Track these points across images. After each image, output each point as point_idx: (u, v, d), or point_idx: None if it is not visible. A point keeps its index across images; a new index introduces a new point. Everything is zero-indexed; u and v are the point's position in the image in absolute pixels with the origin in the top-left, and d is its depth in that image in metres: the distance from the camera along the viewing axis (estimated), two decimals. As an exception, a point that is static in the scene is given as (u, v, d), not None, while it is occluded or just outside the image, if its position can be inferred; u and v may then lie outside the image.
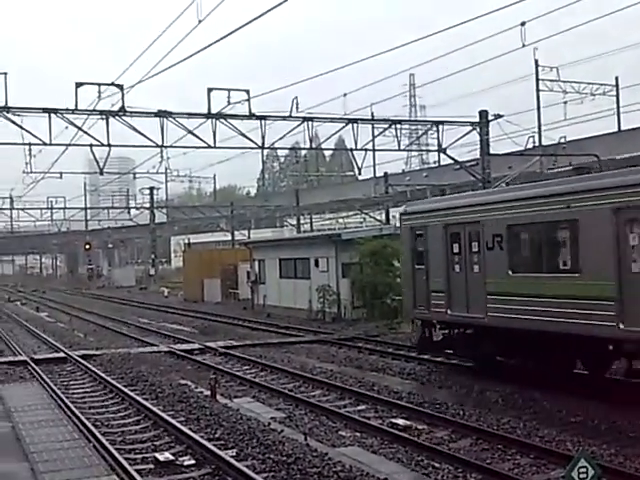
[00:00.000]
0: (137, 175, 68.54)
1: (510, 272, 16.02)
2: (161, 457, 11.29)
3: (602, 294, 13.57)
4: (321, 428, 13.23)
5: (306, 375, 18.37)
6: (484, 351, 17.27)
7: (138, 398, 15.72)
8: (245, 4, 27.52)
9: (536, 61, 42.70)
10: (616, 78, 46.73)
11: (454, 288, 17.51)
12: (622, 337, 13.47)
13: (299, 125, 29.93)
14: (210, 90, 28.03)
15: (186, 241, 75.07)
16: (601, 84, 45.55)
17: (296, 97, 29.30)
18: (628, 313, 13.15)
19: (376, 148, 32.99)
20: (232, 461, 10.63)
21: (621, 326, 13.28)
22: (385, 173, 46.49)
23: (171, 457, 11.30)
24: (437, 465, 10.74)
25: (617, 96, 46.42)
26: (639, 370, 14.24)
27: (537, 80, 43.16)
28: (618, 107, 46.35)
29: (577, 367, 16.01)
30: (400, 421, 13.17)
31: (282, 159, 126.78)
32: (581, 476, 7.38)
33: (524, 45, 25.91)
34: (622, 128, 45.91)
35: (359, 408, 14.79)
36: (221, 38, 19.53)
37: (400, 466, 10.85)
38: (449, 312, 17.65)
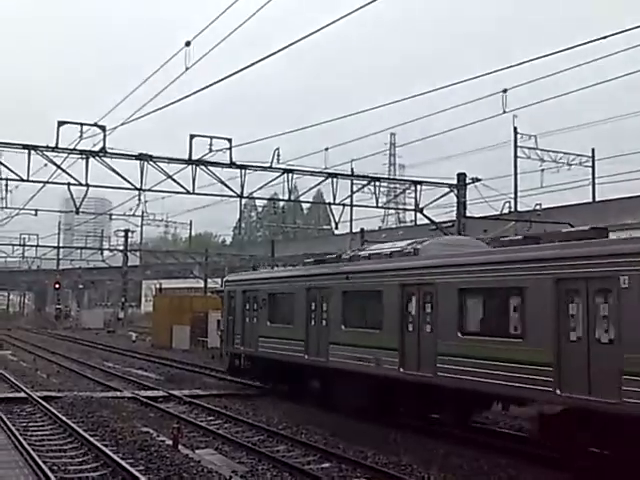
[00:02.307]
0: (113, 217, 68.28)
1: (269, 323, 24.38)
2: (117, 507, 10.99)
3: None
4: (283, 485, 12.98)
5: (271, 429, 18.11)
6: (270, 376, 24.90)
7: (98, 444, 15.34)
8: (232, 54, 27.81)
9: (515, 128, 43.47)
10: (592, 150, 47.67)
11: (250, 331, 25.32)
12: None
13: (279, 176, 30.12)
14: (192, 137, 28.20)
15: (158, 286, 74.40)
16: (578, 154, 46.39)
17: (277, 148, 29.58)
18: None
19: (354, 204, 33.19)
20: (190, 515, 10.36)
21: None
22: (362, 229, 46.71)
23: (128, 507, 11.00)
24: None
25: (593, 167, 47.27)
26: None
27: (515, 147, 43.86)
28: (593, 178, 47.17)
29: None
30: (364, 481, 12.96)
31: (260, 209, 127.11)
32: None
33: (504, 112, 26.44)
34: (597, 199, 46.64)
35: (323, 466, 14.55)
36: (206, 86, 19.72)
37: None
38: (241, 348, 25.93)
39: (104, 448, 14.92)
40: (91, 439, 15.85)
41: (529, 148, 43.80)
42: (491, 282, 15.56)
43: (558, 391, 13.53)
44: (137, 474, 12.71)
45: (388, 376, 18.17)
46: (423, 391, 17.28)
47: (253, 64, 17.02)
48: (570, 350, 13.47)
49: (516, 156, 43.93)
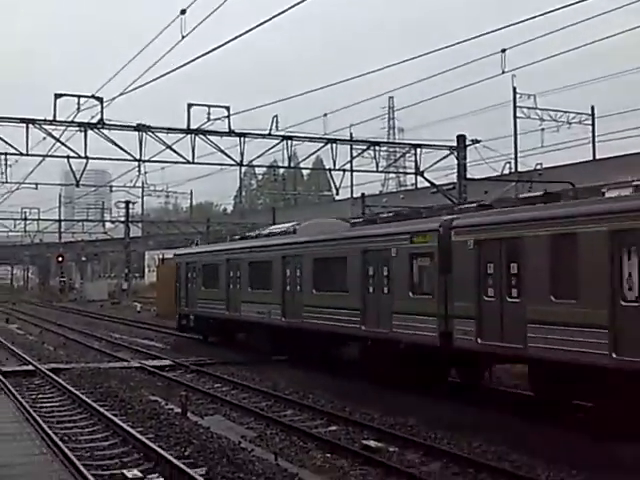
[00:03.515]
0: (113, 188, 68.29)
1: (203, 288, 31.09)
2: (129, 474, 11.14)
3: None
4: (292, 448, 13.15)
5: (278, 394, 18.30)
6: (216, 331, 30.78)
7: (107, 414, 15.53)
8: (229, 23, 27.56)
9: (514, 88, 43.18)
10: (592, 107, 47.37)
11: (191, 295, 32.05)
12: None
13: (278, 143, 30.04)
14: (190, 106, 28.06)
15: (160, 256, 74.51)
16: (577, 113, 46.14)
17: (276, 115, 29.43)
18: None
19: (354, 169, 33.14)
20: (201, 480, 10.53)
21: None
22: (362, 194, 46.66)
23: (139, 474, 11.15)
24: (408, 488, 10.72)
25: (593, 125, 47.01)
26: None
27: (515, 107, 43.60)
28: (594, 136, 46.94)
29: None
30: (371, 443, 13.13)
31: (260, 177, 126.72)
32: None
33: (504, 72, 26.27)
34: (597, 157, 46.47)
35: (331, 429, 14.73)
36: (203, 54, 19.58)
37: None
38: (185, 309, 32.63)
39: (114, 418, 15.10)
40: (100, 409, 16.03)
41: (528, 108, 43.56)
42: (329, 253, 21.95)
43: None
44: (147, 442, 12.88)
45: (275, 324, 24.67)
46: (295, 333, 23.42)
47: (249, 31, 16.90)
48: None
49: (515, 116, 43.69)
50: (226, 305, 28.23)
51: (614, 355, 12.67)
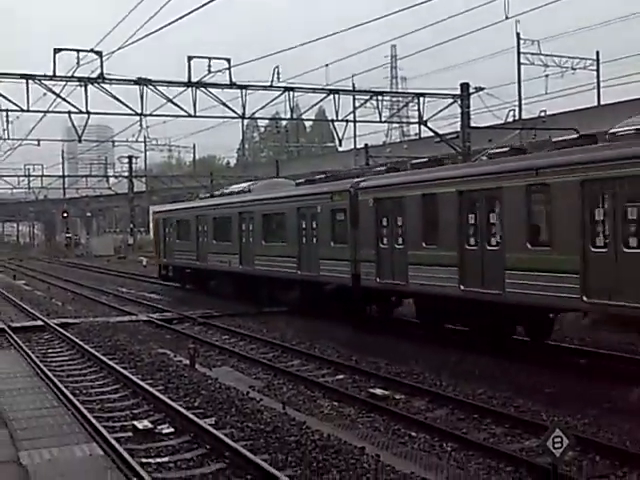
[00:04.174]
0: (116, 143, 68.09)
1: (178, 241, 34.86)
2: (140, 425, 11.33)
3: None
4: (299, 397, 13.34)
5: (285, 345, 18.48)
6: (190, 279, 34.26)
7: (117, 367, 15.73)
8: (226, -29, 27.12)
9: (518, 34, 42.69)
10: (597, 52, 46.85)
11: (169, 247, 35.65)
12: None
13: (280, 95, 29.79)
14: (190, 58, 27.75)
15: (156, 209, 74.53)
16: (582, 58, 45.64)
17: (277, 67, 29.16)
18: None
19: (357, 119, 32.92)
20: (211, 429, 10.69)
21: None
22: (365, 145, 46.52)
23: (150, 425, 11.34)
24: (414, 434, 10.88)
25: (597, 70, 46.54)
26: None
27: (518, 53, 43.17)
28: (598, 81, 46.50)
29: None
30: (378, 391, 13.30)
31: (262, 129, 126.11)
32: (556, 446, 7.51)
33: (507, 17, 25.91)
34: (602, 103, 46.06)
35: (337, 378, 14.92)
36: (201, 6, 19.33)
37: (377, 435, 10.98)
38: (164, 260, 36.41)
39: (123, 370, 15.30)
40: (110, 362, 16.22)
41: (532, 54, 43.11)
42: (273, 210, 25.58)
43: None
44: (157, 393, 13.07)
45: (234, 272, 28.25)
46: (250, 278, 27.22)
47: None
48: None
49: (519, 63, 43.28)
50: (196, 256, 31.86)
51: (461, 287, 16.39)
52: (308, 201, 23.11)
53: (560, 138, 16.18)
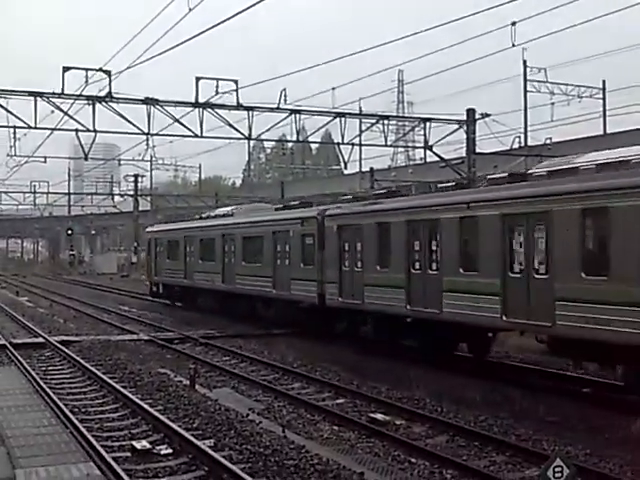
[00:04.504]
0: (122, 162, 68.24)
1: (168, 260, 36.52)
2: (138, 445, 11.27)
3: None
4: (299, 420, 13.26)
5: (286, 367, 18.40)
6: (179, 296, 35.96)
7: (117, 386, 15.67)
8: (236, -6, 27.33)
9: (524, 62, 42.86)
10: (603, 81, 47.00)
11: (159, 266, 37.59)
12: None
13: (287, 117, 29.90)
14: (198, 79, 27.91)
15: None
16: (588, 87, 45.77)
17: (284, 89, 29.27)
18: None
19: (363, 143, 32.99)
20: (209, 451, 10.62)
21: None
22: (371, 168, 46.55)
23: (148, 445, 11.29)
24: (413, 460, 10.80)
25: (604, 99, 46.67)
26: None
27: (525, 80, 43.31)
28: (604, 110, 46.61)
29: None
30: (379, 416, 13.22)
31: (268, 151, 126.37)
32: (556, 475, 7.43)
33: (514, 45, 26.00)
34: (608, 131, 46.15)
35: (338, 402, 14.83)
36: (210, 27, 19.44)
37: (377, 460, 10.89)
38: (155, 278, 38.33)
39: (123, 390, 15.24)
40: (110, 381, 16.17)
41: (539, 81, 43.24)
42: (252, 233, 27.60)
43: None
44: (156, 414, 13.01)
45: (218, 289, 30.43)
46: (232, 295, 29.25)
47: (255, 4, 16.73)
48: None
49: (526, 90, 43.42)
50: (184, 274, 33.87)
51: (407, 307, 18.48)
52: (282, 225, 25.33)
53: (493, 176, 18.23)
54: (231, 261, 29.17)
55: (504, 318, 15.31)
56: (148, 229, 43.12)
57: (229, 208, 34.41)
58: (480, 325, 16.53)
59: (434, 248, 17.67)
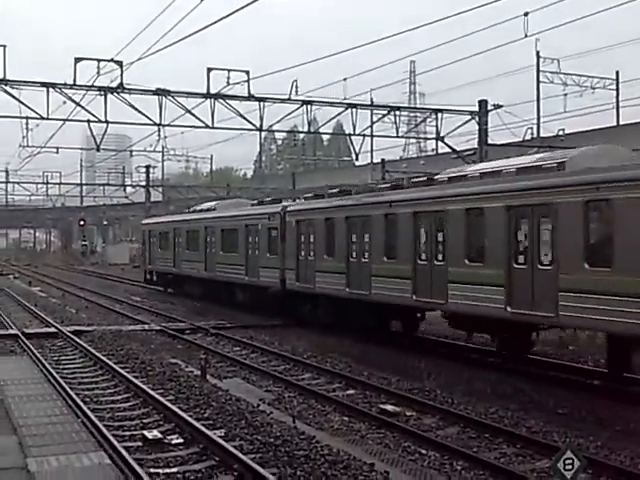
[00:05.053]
0: (134, 153, 68.27)
1: (159, 250, 40.50)
2: (149, 435, 11.32)
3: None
4: (310, 411, 13.28)
5: (296, 358, 18.43)
6: (170, 283, 39.37)
7: (128, 375, 15.73)
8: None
9: (537, 52, 42.54)
10: (616, 72, 46.57)
11: (153, 255, 41.25)
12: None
13: (298, 108, 29.84)
14: (210, 70, 27.88)
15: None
16: (601, 77, 45.43)
17: (296, 80, 29.21)
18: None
19: (374, 134, 32.93)
20: (220, 441, 10.65)
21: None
22: (382, 159, 46.36)
23: (159, 435, 11.33)
24: (424, 452, 10.80)
25: (617, 90, 46.31)
26: None
27: (538, 71, 42.97)
28: (617, 101, 46.27)
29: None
30: (389, 407, 13.22)
31: (280, 142, 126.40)
32: (567, 467, 7.41)
33: (526, 35, 25.85)
34: (621, 122, 45.84)
35: (348, 392, 14.85)
36: (222, 18, 19.39)
37: (387, 451, 10.90)
38: (149, 266, 41.95)
39: (134, 379, 15.30)
40: (121, 371, 16.23)
41: (552, 72, 42.94)
42: (229, 226, 30.89)
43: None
44: (167, 404, 13.06)
45: (201, 277, 33.93)
46: (213, 283, 32.74)
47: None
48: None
49: (539, 81, 43.06)
50: (173, 263, 37.22)
51: (347, 290, 21.61)
52: (253, 220, 28.63)
53: (414, 180, 21.95)
54: (212, 251, 32.30)
55: (414, 297, 18.58)
56: (143, 221, 47.26)
57: (212, 203, 37.17)
58: (405, 305, 19.58)
59: (366, 240, 20.92)
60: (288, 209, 25.90)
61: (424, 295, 18.29)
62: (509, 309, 15.40)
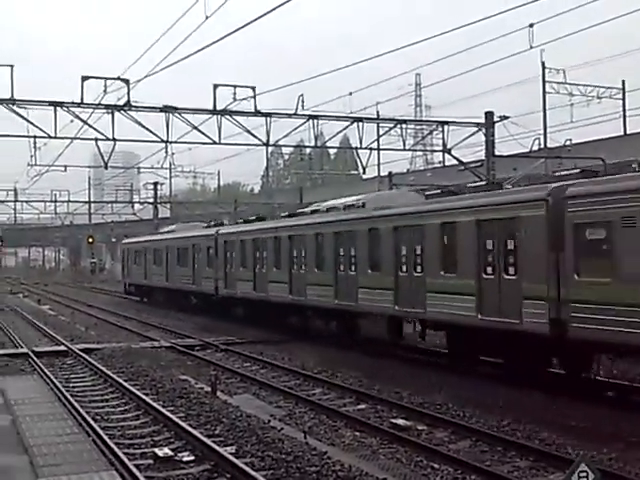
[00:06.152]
0: (141, 170, 68.46)
1: (135, 266, 48.42)
2: (160, 452, 11.29)
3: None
4: (321, 427, 13.22)
5: (307, 373, 18.37)
6: (143, 294, 46.75)
7: (138, 393, 15.71)
8: (252, 1, 27.39)
9: (543, 63, 42.56)
10: (622, 81, 46.55)
11: (129, 270, 49.16)
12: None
13: (304, 123, 29.88)
14: (216, 86, 27.96)
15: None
16: (608, 87, 45.39)
17: (302, 95, 29.24)
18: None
19: (381, 147, 32.89)
20: (231, 458, 10.61)
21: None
22: (389, 172, 46.34)
23: (170, 453, 11.30)
24: (436, 466, 10.73)
25: (623, 99, 46.25)
26: None
27: (544, 82, 42.98)
28: (624, 110, 46.20)
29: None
30: (400, 421, 13.16)
31: (286, 156, 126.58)
32: (581, 480, 7.34)
33: (532, 47, 25.86)
34: (628, 131, 45.75)
35: (360, 407, 14.78)
36: (227, 35, 19.47)
37: (399, 466, 10.83)
38: (128, 279, 49.63)
39: (144, 397, 15.28)
40: (131, 388, 16.21)
41: (558, 83, 42.94)
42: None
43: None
44: (178, 421, 13.02)
45: (164, 286, 41.34)
46: (168, 290, 41.10)
47: (271, 11, 16.73)
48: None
49: (544, 91, 43.07)
50: (144, 276, 45.04)
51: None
52: (198, 240, 35.93)
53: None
54: (171, 265, 39.59)
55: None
56: (123, 241, 55.38)
57: (173, 226, 45.69)
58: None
59: (265, 255, 28.05)
60: (219, 232, 33.32)
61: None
62: None
